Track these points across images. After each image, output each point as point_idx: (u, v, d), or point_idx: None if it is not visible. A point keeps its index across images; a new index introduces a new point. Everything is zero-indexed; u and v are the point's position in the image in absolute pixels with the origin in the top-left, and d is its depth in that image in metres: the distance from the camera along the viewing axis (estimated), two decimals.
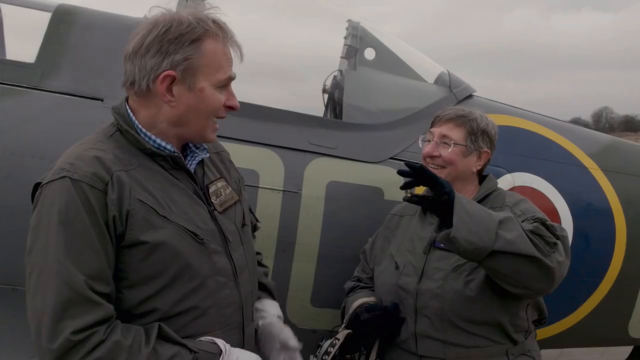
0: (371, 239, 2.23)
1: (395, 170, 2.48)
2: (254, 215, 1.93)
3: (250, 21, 2.69)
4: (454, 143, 2.01)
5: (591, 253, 2.62)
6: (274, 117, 2.48)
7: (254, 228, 1.92)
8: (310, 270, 2.41)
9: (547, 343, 2.55)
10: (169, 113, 1.47)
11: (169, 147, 1.49)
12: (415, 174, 1.71)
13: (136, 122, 1.48)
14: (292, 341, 1.68)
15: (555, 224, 1.80)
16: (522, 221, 1.78)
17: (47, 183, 1.36)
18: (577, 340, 2.74)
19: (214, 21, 1.49)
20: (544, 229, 1.71)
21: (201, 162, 1.62)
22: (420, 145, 2.11)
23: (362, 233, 2.34)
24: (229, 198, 1.64)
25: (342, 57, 2.89)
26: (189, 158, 1.59)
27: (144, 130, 1.48)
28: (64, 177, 1.34)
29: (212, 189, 1.60)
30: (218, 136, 2.28)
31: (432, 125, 2.10)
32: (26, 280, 1.35)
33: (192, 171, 1.56)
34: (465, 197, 1.75)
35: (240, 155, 2.36)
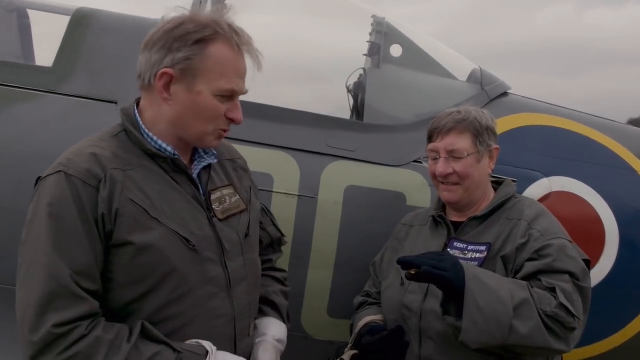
0: (382, 250, 2.09)
1: (419, 174, 2.38)
2: (277, 229, 1.86)
3: (269, 19, 2.61)
4: (466, 154, 1.82)
5: None
6: (290, 118, 2.38)
7: (279, 242, 1.86)
8: (326, 279, 2.30)
9: None
10: (168, 112, 1.43)
11: (169, 149, 1.45)
12: (416, 278, 1.58)
13: (141, 123, 1.46)
14: None
15: (579, 272, 1.66)
16: (540, 249, 1.65)
17: (45, 177, 1.37)
18: None
19: (230, 25, 1.42)
20: (565, 314, 1.57)
21: (208, 168, 1.56)
22: (426, 165, 1.96)
23: (382, 241, 2.20)
24: (234, 206, 1.57)
25: (365, 55, 2.76)
26: (195, 163, 1.54)
27: (147, 131, 1.45)
28: (60, 171, 1.34)
29: (215, 195, 1.53)
30: (231, 138, 2.28)
31: (431, 140, 1.90)
32: (17, 271, 1.35)
33: (195, 175, 1.51)
34: (477, 276, 1.59)
35: (254, 158, 2.27)
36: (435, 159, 1.87)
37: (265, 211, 1.83)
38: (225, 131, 1.51)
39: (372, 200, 2.31)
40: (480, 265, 1.70)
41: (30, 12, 2.90)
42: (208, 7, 2.69)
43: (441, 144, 1.84)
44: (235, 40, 1.42)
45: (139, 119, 1.46)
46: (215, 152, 1.58)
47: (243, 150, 2.26)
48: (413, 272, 1.54)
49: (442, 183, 1.85)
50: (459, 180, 1.82)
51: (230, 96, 1.45)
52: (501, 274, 1.69)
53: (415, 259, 1.58)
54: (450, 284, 1.55)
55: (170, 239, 1.38)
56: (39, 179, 1.41)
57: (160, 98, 1.42)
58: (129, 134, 1.46)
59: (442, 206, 1.94)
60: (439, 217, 1.89)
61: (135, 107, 1.49)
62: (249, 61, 1.47)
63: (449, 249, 1.79)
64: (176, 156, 1.46)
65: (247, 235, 1.57)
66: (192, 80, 1.40)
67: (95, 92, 2.30)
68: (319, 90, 2.97)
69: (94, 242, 1.33)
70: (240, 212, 1.58)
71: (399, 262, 1.60)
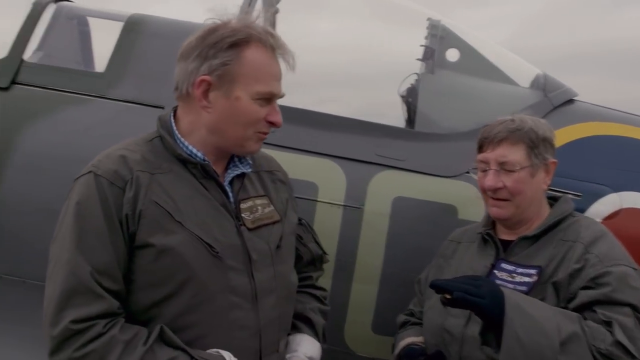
0: (428, 267, 1.96)
1: (473, 186, 2.23)
2: (319, 246, 1.79)
3: (319, 23, 2.54)
4: (519, 167, 1.64)
5: None
6: (337, 125, 2.30)
7: (321, 260, 1.80)
8: (371, 293, 2.20)
9: None
10: (206, 120, 1.42)
11: (199, 154, 1.44)
12: (450, 303, 1.44)
13: (175, 129, 1.46)
14: None
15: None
16: (597, 277, 1.47)
17: (78, 178, 1.40)
18: None
19: (265, 28, 1.41)
20: (621, 353, 1.39)
21: (242, 177, 1.53)
22: (474, 176, 1.80)
23: (431, 256, 2.07)
24: (266, 216, 1.52)
25: (419, 60, 2.64)
26: (229, 171, 1.52)
27: (180, 137, 1.45)
28: (90, 172, 1.37)
29: (246, 204, 1.50)
30: (274, 144, 2.23)
31: (481, 149, 1.73)
32: (47, 267, 1.38)
33: (227, 183, 1.49)
34: (518, 304, 1.43)
35: (299, 166, 2.23)
36: (484, 171, 1.71)
37: (307, 227, 1.77)
38: (264, 134, 1.48)
39: (421, 212, 2.19)
40: (529, 291, 1.53)
41: (90, 20, 2.96)
42: (258, 8, 2.67)
43: (492, 154, 1.68)
44: (270, 42, 1.41)
45: (174, 126, 1.46)
46: (250, 162, 1.55)
47: (287, 157, 2.22)
48: (448, 297, 1.42)
49: (491, 197, 1.69)
50: (509, 196, 1.66)
51: (268, 99, 1.43)
52: (551, 302, 1.52)
53: (448, 283, 1.45)
54: (486, 313, 1.41)
55: (192, 244, 1.35)
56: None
57: (199, 106, 1.41)
58: (163, 139, 1.46)
59: (491, 222, 1.78)
60: (487, 235, 1.74)
61: (172, 115, 1.49)
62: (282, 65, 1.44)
63: (495, 271, 1.64)
64: (206, 162, 1.44)
65: (278, 246, 1.51)
66: (230, 86, 1.39)
67: (143, 97, 2.31)
68: (369, 96, 2.87)
69: (117, 241, 1.33)
70: (273, 223, 1.53)
71: (432, 285, 1.47)
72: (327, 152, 2.25)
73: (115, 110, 2.32)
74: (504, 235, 1.74)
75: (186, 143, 1.44)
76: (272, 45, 1.41)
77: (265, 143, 2.18)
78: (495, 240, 1.72)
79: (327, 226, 2.18)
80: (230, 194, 1.48)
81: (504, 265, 1.63)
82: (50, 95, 2.37)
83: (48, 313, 1.30)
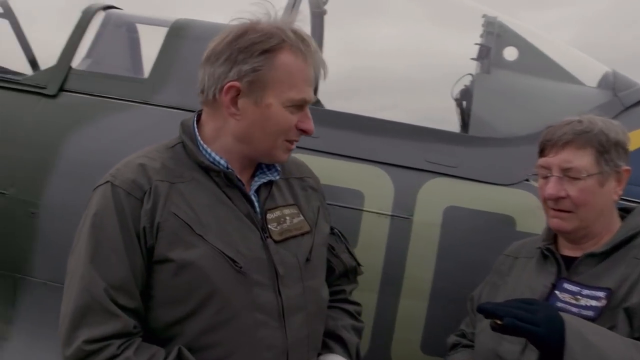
0: (482, 284, 1.78)
1: (532, 195, 2.05)
2: (353, 257, 1.68)
3: (365, 24, 2.42)
4: (585, 174, 1.45)
5: None
6: (384, 129, 2.17)
7: (355, 272, 1.68)
8: (420, 310, 2.05)
9: None
10: (234, 127, 1.35)
11: (222, 162, 1.36)
12: (501, 330, 1.27)
13: (198, 135, 1.38)
14: None
15: None
16: None
17: (96, 187, 1.35)
18: None
19: (295, 32, 1.33)
20: None
21: (269, 185, 1.44)
22: (534, 184, 1.60)
23: (486, 270, 1.91)
24: (295, 227, 1.43)
25: (473, 59, 2.47)
26: (255, 179, 1.44)
27: (203, 144, 1.38)
28: (107, 182, 1.31)
29: (273, 214, 1.41)
30: (318, 150, 2.13)
31: (543, 153, 1.55)
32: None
33: (253, 192, 1.40)
34: (581, 333, 1.24)
35: (343, 173, 2.12)
36: (545, 178, 1.52)
37: (340, 236, 1.66)
38: (293, 143, 1.41)
39: (475, 223, 2.03)
40: (597, 317, 1.34)
41: (139, 26, 2.97)
42: (305, 10, 2.58)
43: (554, 159, 1.49)
44: (302, 47, 1.32)
45: (197, 132, 1.39)
46: (278, 169, 1.47)
47: (331, 164, 2.13)
48: (498, 323, 1.26)
49: (552, 208, 1.50)
50: (572, 207, 1.46)
51: (300, 106, 1.35)
52: (623, 332, 1.31)
53: (498, 307, 1.28)
54: (542, 342, 1.24)
55: (213, 258, 1.27)
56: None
57: (226, 113, 1.34)
58: (185, 146, 1.39)
59: (553, 236, 1.59)
60: (548, 250, 1.55)
61: (195, 120, 1.41)
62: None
63: (557, 292, 1.45)
64: (229, 170, 1.36)
65: (308, 259, 1.41)
66: (261, 93, 1.31)
67: (186, 103, 2.26)
68: (420, 99, 2.72)
69: (134, 255, 1.26)
70: (303, 234, 1.44)
71: (479, 310, 1.31)
72: (374, 159, 2.12)
73: (159, 116, 2.28)
74: (567, 250, 1.54)
75: (209, 150, 1.37)
76: (304, 50, 1.32)
77: (307, 149, 2.15)
78: (556, 257, 1.53)
79: (374, 237, 2.05)
80: (256, 204, 1.40)
81: (567, 286, 1.44)
82: (96, 102, 2.37)
83: (62, 331, 1.26)
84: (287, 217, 1.43)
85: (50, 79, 2.42)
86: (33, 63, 3.03)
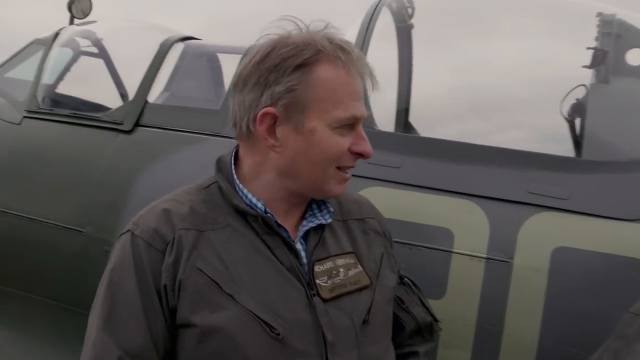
0: (600, 350, 1.41)
1: None
2: (428, 311, 1.39)
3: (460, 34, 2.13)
4: None
5: None
6: (477, 156, 1.86)
7: (431, 328, 1.39)
8: None
9: None
10: (275, 161, 1.14)
11: (259, 204, 1.15)
12: None
13: (234, 173, 1.19)
14: None
15: None
16: None
17: (120, 236, 1.18)
18: None
19: (332, 40, 1.11)
20: None
21: (321, 229, 1.20)
22: None
23: (606, 327, 1.53)
24: (350, 281, 1.18)
25: (586, 67, 2.07)
26: (304, 222, 1.21)
27: (239, 183, 1.17)
28: (128, 230, 1.14)
29: (323, 266, 1.16)
30: (399, 182, 1.86)
31: None
32: None
33: (299, 239, 1.18)
34: None
35: (428, 208, 1.85)
36: None
37: (411, 287, 1.38)
38: (348, 171, 1.18)
39: (592, 268, 1.64)
40: None
41: (220, 56, 2.90)
42: (388, 25, 2.36)
43: None
44: (342, 56, 1.09)
45: (233, 169, 1.19)
46: (331, 210, 1.23)
47: (414, 197, 1.85)
48: None
49: None
50: None
51: (351, 125, 1.13)
52: None
53: None
54: None
55: (246, 323, 1.05)
56: None
57: (264, 145, 1.13)
58: (220, 186, 1.19)
59: None
60: None
61: (233, 156, 1.22)
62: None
63: None
64: (267, 213, 1.14)
65: (365, 321, 1.15)
66: (301, 116, 1.10)
67: None
68: (519, 118, 2.35)
69: (154, 318, 1.08)
70: (360, 289, 1.18)
71: None
72: (465, 190, 1.81)
73: (229, 148, 2.15)
74: None
75: (245, 191, 1.16)
76: (345, 60, 1.09)
77: (387, 180, 1.90)
78: None
79: (465, 284, 1.74)
80: (303, 253, 1.16)
81: None
82: (169, 135, 2.30)
83: None
84: (341, 269, 1.18)
85: (127, 114, 2.40)
86: (125, 99, 3.08)
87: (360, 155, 1.15)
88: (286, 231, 1.15)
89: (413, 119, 2.54)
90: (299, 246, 1.17)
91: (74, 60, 3.12)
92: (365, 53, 2.05)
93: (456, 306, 1.73)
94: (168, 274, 1.08)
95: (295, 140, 1.11)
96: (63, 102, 2.85)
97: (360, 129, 1.15)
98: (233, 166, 1.20)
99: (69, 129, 2.52)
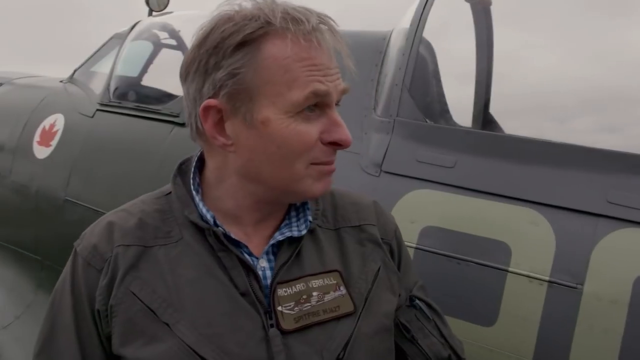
0: None
1: None
2: (446, 342, 1.11)
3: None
4: None
5: None
6: (544, 155, 1.53)
7: None
8: None
9: None
10: (234, 163, 0.96)
11: (209, 216, 0.97)
12: None
13: (193, 178, 1.01)
14: None
15: None
16: None
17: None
18: None
19: (285, 11, 0.89)
20: None
21: (296, 243, 1.00)
22: None
23: None
24: (326, 308, 0.96)
25: None
26: (277, 233, 1.01)
27: (194, 191, 1.00)
28: (74, 246, 1.01)
29: (289, 289, 0.95)
30: (450, 184, 1.59)
31: None
32: None
33: (264, 255, 0.98)
34: None
35: (482, 217, 1.57)
36: None
37: (426, 311, 1.11)
38: (329, 164, 0.95)
39: None
40: None
41: None
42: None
43: None
44: (292, 27, 0.87)
45: (194, 175, 1.01)
46: (309, 218, 1.02)
47: (466, 203, 1.58)
48: None
49: None
50: None
51: (320, 107, 0.91)
52: None
53: None
54: None
55: (182, 359, 0.88)
56: None
57: (216, 146, 0.95)
58: (176, 194, 1.02)
59: None
60: None
61: (198, 158, 1.04)
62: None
63: None
64: (218, 227, 0.96)
65: (339, 358, 0.93)
66: (250, 106, 0.90)
67: None
68: (596, 114, 1.93)
69: (91, 349, 0.95)
70: (338, 318, 0.96)
71: None
72: (527, 197, 1.50)
73: None
74: None
75: (197, 199, 0.98)
76: (302, 32, 0.87)
77: (435, 182, 1.63)
78: None
79: (522, 312, 1.44)
80: (268, 273, 0.96)
81: None
82: None
83: None
84: (315, 293, 0.96)
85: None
86: None
87: (336, 144, 0.93)
88: (246, 247, 0.96)
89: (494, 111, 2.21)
90: (264, 264, 0.97)
91: (155, 52, 3.15)
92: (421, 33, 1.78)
93: (510, 336, 1.44)
94: (101, 298, 0.94)
95: (248, 137, 0.91)
96: (141, 93, 2.87)
97: (334, 112, 0.93)
98: (197, 170, 1.02)
99: (132, 121, 2.52)
